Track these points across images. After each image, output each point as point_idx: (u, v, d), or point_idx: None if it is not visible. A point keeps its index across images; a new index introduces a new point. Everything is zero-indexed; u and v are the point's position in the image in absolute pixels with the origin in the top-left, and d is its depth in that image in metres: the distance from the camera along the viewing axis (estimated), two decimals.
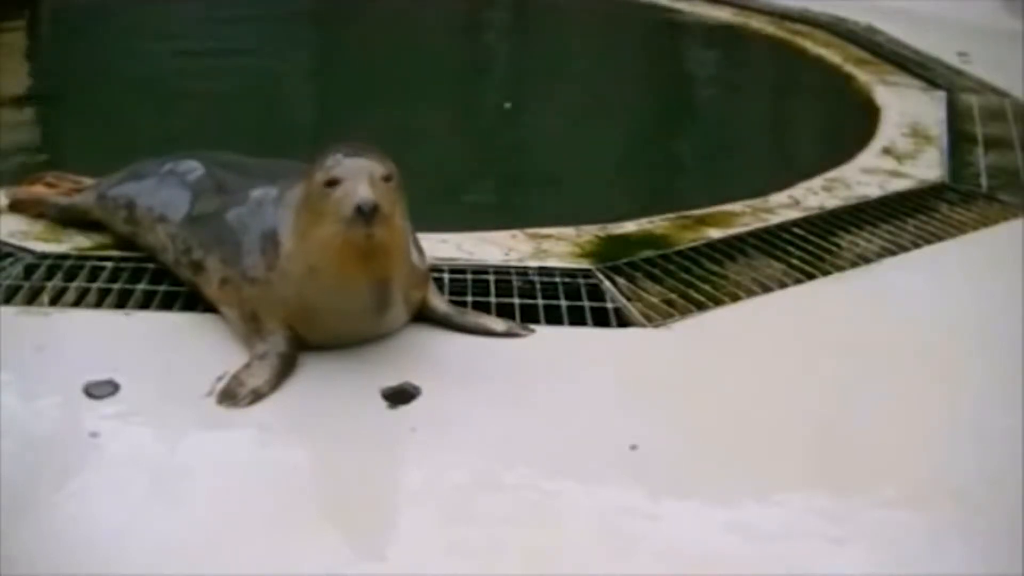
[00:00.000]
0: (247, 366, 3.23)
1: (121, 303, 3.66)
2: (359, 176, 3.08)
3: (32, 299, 3.66)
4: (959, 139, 5.95)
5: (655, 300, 3.86)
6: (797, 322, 3.85)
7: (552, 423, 3.14)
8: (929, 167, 5.48)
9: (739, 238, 4.44)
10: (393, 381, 3.25)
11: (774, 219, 4.66)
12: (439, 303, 3.63)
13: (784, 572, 2.61)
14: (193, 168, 3.86)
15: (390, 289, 3.32)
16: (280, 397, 3.17)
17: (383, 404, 3.16)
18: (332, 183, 3.11)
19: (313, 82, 8.05)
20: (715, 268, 4.15)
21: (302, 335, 3.33)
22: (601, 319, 3.74)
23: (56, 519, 2.64)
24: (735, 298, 3.94)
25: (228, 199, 3.63)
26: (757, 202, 4.84)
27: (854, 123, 6.39)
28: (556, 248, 4.22)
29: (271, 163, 3.90)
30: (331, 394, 3.21)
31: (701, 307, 3.85)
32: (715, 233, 4.47)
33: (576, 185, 5.80)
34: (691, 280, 4.02)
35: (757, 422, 3.21)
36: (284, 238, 3.31)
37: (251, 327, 3.37)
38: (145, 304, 3.66)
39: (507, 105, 7.08)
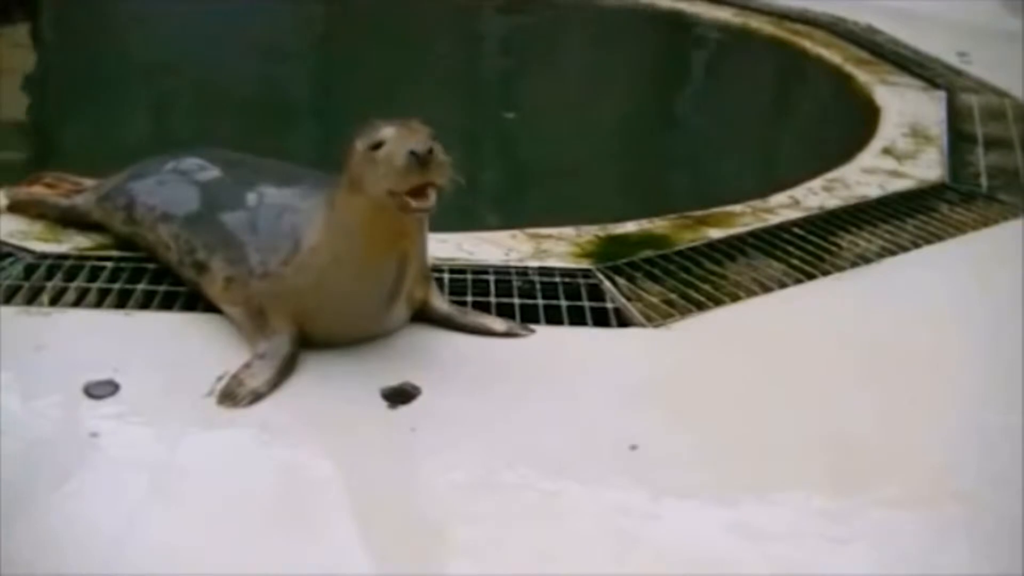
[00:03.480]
0: (247, 366, 3.23)
1: (121, 303, 3.66)
2: (405, 130, 3.03)
3: (32, 299, 3.65)
4: (959, 139, 5.95)
5: (655, 300, 3.86)
6: (797, 322, 3.85)
7: (552, 423, 3.14)
8: (929, 167, 5.48)
9: (739, 238, 4.44)
10: (393, 381, 3.25)
11: (774, 219, 4.66)
12: (440, 303, 3.63)
13: (784, 572, 2.61)
14: (196, 166, 3.85)
15: (406, 275, 3.32)
16: (280, 397, 3.16)
17: (383, 404, 3.16)
18: (377, 146, 3.05)
19: (311, 81, 8.05)
20: (715, 268, 4.15)
21: (307, 330, 3.33)
22: (601, 319, 3.74)
23: (55, 519, 2.64)
24: (735, 298, 3.94)
25: (232, 197, 3.62)
26: (757, 202, 4.84)
27: (854, 123, 6.38)
28: (556, 248, 4.22)
29: (276, 163, 3.91)
30: (331, 394, 3.21)
31: (701, 307, 3.85)
32: (715, 233, 4.46)
33: (576, 185, 5.80)
34: (691, 280, 4.02)
35: (757, 422, 3.21)
36: (308, 232, 3.29)
37: (256, 324, 3.37)
38: (145, 304, 3.66)
39: (510, 115, 7.05)
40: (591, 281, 3.97)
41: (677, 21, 9.27)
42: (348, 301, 3.33)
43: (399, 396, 3.19)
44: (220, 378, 3.20)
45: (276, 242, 3.37)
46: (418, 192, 3.01)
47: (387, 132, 3.06)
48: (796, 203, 4.88)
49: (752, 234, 4.48)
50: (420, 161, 2.96)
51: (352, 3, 9.31)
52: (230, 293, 3.47)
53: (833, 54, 7.83)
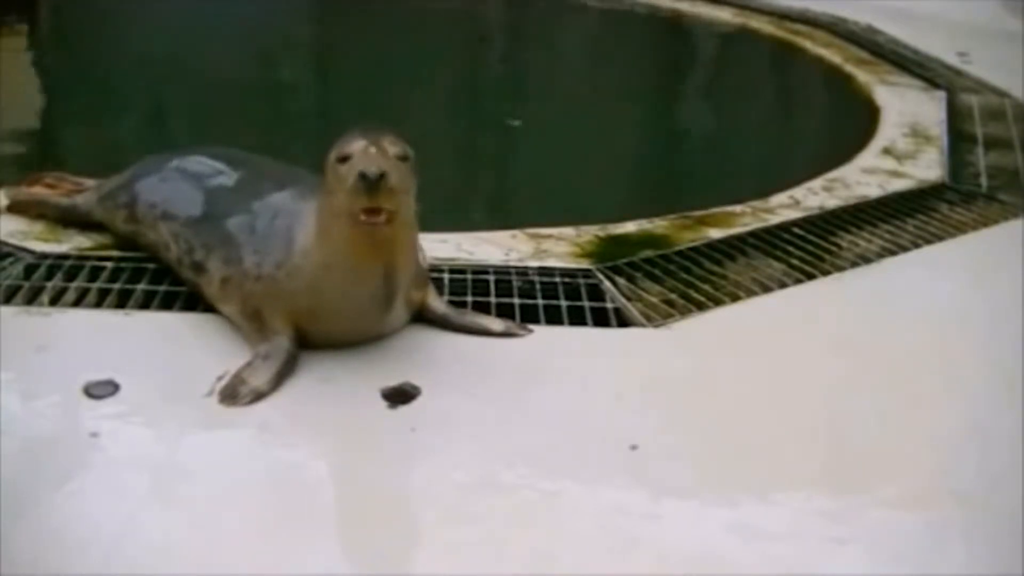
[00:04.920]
0: (249, 364, 3.23)
1: (121, 303, 3.66)
2: (368, 149, 3.06)
3: (32, 299, 3.65)
4: (959, 139, 5.95)
5: (655, 300, 3.86)
6: (797, 322, 3.85)
7: (552, 423, 3.14)
8: (929, 167, 5.48)
9: (739, 238, 4.44)
10: (393, 381, 3.25)
11: (774, 219, 4.67)
12: (438, 304, 3.63)
13: (784, 572, 2.61)
14: (199, 165, 3.85)
15: (396, 282, 3.32)
16: (280, 397, 3.16)
17: (383, 404, 3.16)
18: (344, 159, 3.09)
19: (314, 81, 8.05)
20: (715, 268, 4.15)
21: (306, 333, 3.34)
22: (601, 319, 3.74)
23: (56, 519, 2.64)
24: (735, 298, 3.94)
25: (233, 198, 3.62)
26: (757, 202, 4.84)
27: (854, 123, 6.39)
28: (556, 248, 4.22)
29: (277, 164, 3.90)
30: (331, 394, 3.21)
31: (701, 307, 3.85)
32: (715, 233, 4.47)
33: (576, 185, 5.80)
34: (691, 280, 4.02)
35: (757, 422, 3.21)
36: (299, 235, 3.30)
37: (254, 325, 3.37)
38: (145, 304, 3.66)
39: (515, 123, 7.04)
40: (591, 281, 3.97)
41: (677, 21, 9.28)
42: (342, 304, 3.33)
43: (399, 396, 3.19)
44: (220, 378, 3.20)
45: (271, 244, 3.37)
46: (371, 212, 3.04)
47: (355, 147, 3.09)
48: (796, 203, 4.88)
49: (752, 234, 4.49)
50: (368, 186, 2.98)
51: (357, 3, 9.31)
52: (226, 293, 3.47)
53: (833, 54, 7.84)
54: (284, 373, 3.24)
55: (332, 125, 3.35)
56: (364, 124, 3.20)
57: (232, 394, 3.13)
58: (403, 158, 3.11)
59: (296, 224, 3.34)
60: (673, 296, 3.89)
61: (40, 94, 7.15)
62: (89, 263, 3.89)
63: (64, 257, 3.93)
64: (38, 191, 4.30)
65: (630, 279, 3.99)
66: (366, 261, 3.24)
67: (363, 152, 3.06)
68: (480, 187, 6.01)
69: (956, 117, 6.34)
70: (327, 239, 3.24)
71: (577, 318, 3.73)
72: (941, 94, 6.79)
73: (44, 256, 3.93)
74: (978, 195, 5.15)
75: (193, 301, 3.64)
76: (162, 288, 3.74)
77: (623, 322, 3.73)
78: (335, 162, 3.12)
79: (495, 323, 3.62)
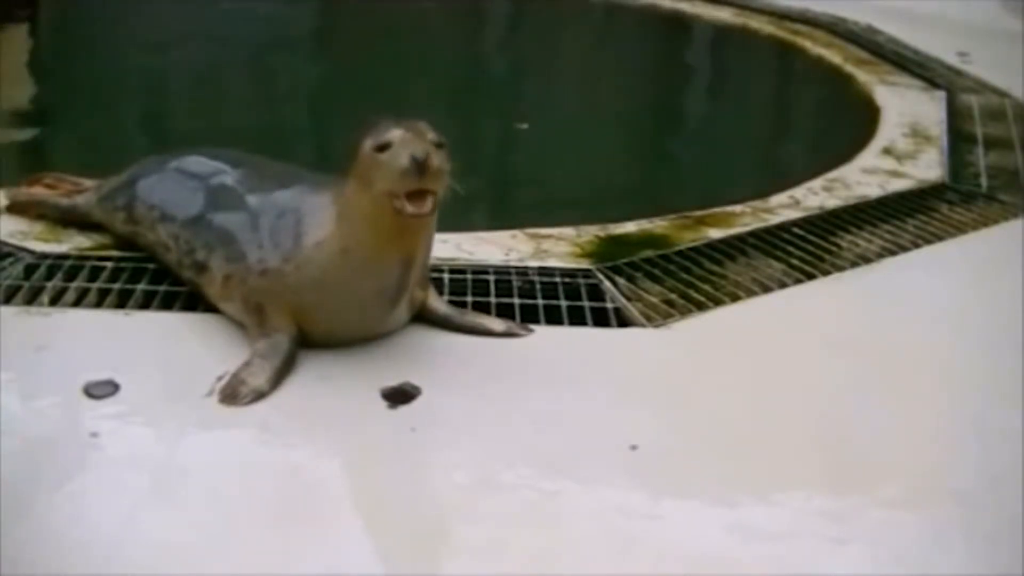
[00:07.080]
0: (248, 364, 3.23)
1: (121, 303, 3.66)
2: (410, 134, 3.07)
3: (32, 299, 3.65)
4: (959, 139, 5.95)
5: (655, 300, 3.86)
6: (797, 322, 3.85)
7: (552, 423, 3.14)
8: (929, 167, 5.48)
9: (739, 238, 4.44)
10: (393, 381, 3.25)
11: (774, 219, 4.67)
12: (438, 304, 3.63)
13: (784, 572, 2.61)
14: (197, 165, 3.85)
15: (411, 275, 3.32)
16: (280, 397, 3.17)
17: (383, 404, 3.16)
18: (383, 148, 3.09)
19: (316, 83, 8.04)
20: (715, 268, 4.15)
21: (307, 330, 3.34)
22: (601, 319, 3.74)
23: (56, 519, 2.64)
24: (735, 298, 3.94)
25: (233, 197, 3.61)
26: (757, 202, 4.84)
27: (854, 123, 6.39)
28: (556, 248, 4.22)
29: (276, 163, 3.90)
30: (331, 394, 3.21)
31: (701, 307, 3.85)
32: (715, 233, 4.47)
33: (576, 185, 5.80)
34: (691, 280, 4.02)
35: (757, 422, 3.21)
36: (310, 229, 3.30)
37: (254, 320, 3.37)
38: (145, 304, 3.66)
39: (523, 126, 7.03)
40: (591, 281, 3.97)
41: (678, 21, 9.28)
42: (350, 299, 3.33)
43: (399, 396, 3.19)
44: (220, 378, 3.20)
45: (277, 240, 3.37)
46: (416, 197, 3.05)
47: (394, 134, 3.10)
48: (796, 203, 4.88)
49: (752, 234, 4.49)
50: (418, 167, 3.00)
51: (360, 4, 9.31)
52: (228, 290, 3.47)
53: (833, 54, 7.83)
54: (283, 372, 3.24)
55: (333, 125, 3.35)
56: (392, 116, 3.19)
57: (232, 394, 3.13)
58: (439, 145, 3.12)
59: (305, 219, 3.34)
60: (673, 296, 3.89)
61: (41, 93, 7.14)
62: (89, 263, 3.89)
63: (64, 257, 3.93)
64: (38, 191, 4.30)
65: (630, 279, 3.99)
66: (389, 249, 3.24)
67: (405, 137, 3.07)
68: (481, 187, 6.00)
69: (956, 117, 6.34)
70: (349, 227, 3.22)
71: (577, 318, 3.73)
72: (941, 94, 6.79)
73: (44, 256, 3.93)
74: (978, 195, 5.15)
75: (193, 301, 3.64)
76: (162, 288, 3.74)
77: (623, 322, 3.73)
78: (372, 151, 3.11)
79: (495, 323, 3.62)
